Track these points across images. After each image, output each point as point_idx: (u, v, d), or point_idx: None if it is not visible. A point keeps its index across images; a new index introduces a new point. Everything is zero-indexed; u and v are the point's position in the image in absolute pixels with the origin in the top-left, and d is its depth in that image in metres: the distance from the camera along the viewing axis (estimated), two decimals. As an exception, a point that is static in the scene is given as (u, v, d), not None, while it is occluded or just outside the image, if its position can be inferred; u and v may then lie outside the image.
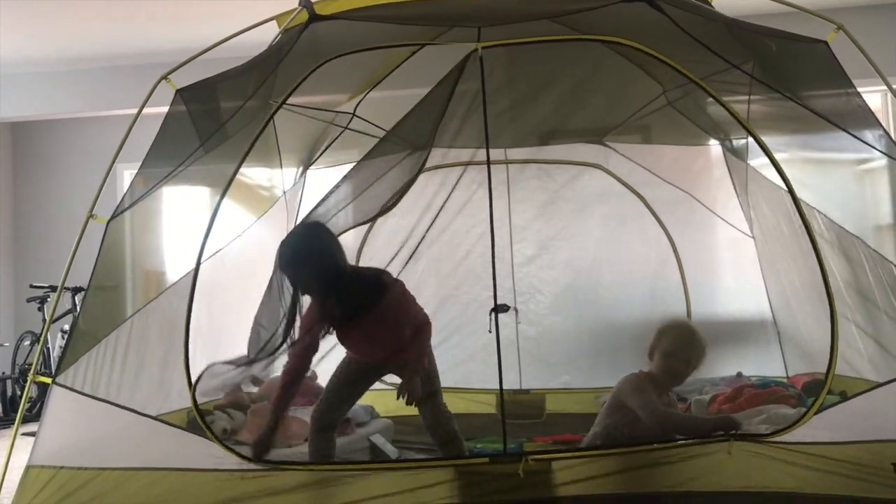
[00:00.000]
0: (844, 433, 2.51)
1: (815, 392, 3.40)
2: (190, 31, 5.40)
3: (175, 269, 3.07)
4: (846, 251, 2.75)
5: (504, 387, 2.77)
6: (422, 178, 4.56)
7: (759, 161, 3.75)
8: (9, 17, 5.20)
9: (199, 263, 2.89)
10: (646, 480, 2.52)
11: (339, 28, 2.89)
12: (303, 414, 3.74)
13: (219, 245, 3.79)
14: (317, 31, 2.86)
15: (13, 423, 2.89)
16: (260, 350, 2.82)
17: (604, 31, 3.03)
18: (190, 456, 2.70)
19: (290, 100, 3.12)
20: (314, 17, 2.83)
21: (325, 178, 4.70)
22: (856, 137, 2.72)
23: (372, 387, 4.54)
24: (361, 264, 4.72)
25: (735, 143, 3.99)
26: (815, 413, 2.60)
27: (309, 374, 4.37)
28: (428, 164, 4.53)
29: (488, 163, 2.70)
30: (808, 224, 2.71)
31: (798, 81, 2.84)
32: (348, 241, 4.75)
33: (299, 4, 2.93)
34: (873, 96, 5.46)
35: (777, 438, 2.57)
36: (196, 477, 2.66)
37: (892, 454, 2.45)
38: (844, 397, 2.78)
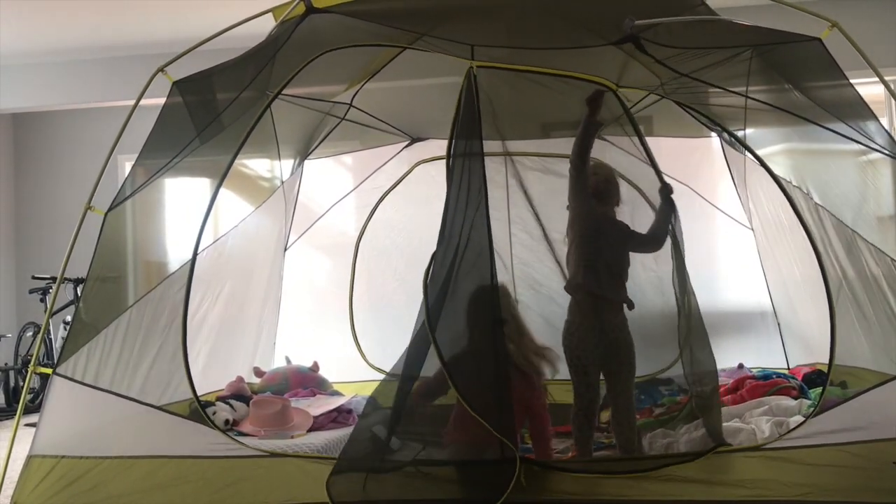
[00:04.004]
0: (846, 433, 2.50)
1: (816, 383, 3.42)
2: (188, 22, 5.40)
3: (175, 259, 3.07)
4: (844, 243, 2.75)
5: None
6: (418, 169, 4.60)
7: (758, 153, 3.74)
8: (8, 9, 5.20)
9: (195, 254, 2.89)
10: (645, 489, 2.51)
11: (336, 20, 2.88)
12: (305, 405, 3.75)
13: (217, 235, 3.80)
14: (314, 23, 2.86)
15: (16, 414, 2.90)
16: None
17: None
18: (190, 444, 2.71)
19: (288, 90, 3.11)
20: (311, 10, 2.83)
21: (322, 167, 4.72)
22: (851, 137, 2.70)
23: (374, 378, 4.58)
24: (360, 253, 4.74)
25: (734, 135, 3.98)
26: (817, 409, 2.60)
27: (311, 365, 4.40)
28: (427, 156, 4.57)
29: (484, 185, 2.71)
30: (802, 217, 2.70)
31: (795, 77, 2.83)
32: (349, 231, 4.79)
33: None
34: (877, 87, 5.42)
35: (778, 444, 2.56)
36: (196, 464, 2.68)
37: (894, 453, 2.44)
38: (845, 388, 2.78)
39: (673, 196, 3.06)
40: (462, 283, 2.69)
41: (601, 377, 2.98)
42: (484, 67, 2.78)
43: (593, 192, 3.03)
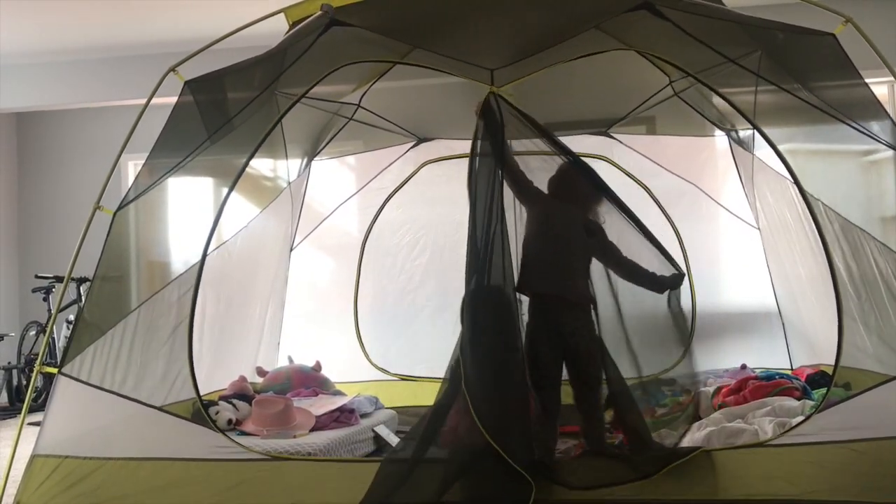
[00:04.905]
0: (851, 430, 2.49)
1: (820, 384, 3.41)
2: (194, 22, 5.40)
3: (179, 260, 3.07)
4: (851, 242, 2.74)
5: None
6: (424, 169, 4.61)
7: (765, 152, 3.73)
8: (13, 8, 5.21)
9: (204, 256, 2.88)
10: (648, 487, 2.51)
11: (355, 33, 2.91)
12: (308, 404, 3.76)
13: (223, 237, 3.79)
14: (335, 35, 2.88)
15: (19, 413, 2.90)
16: None
17: (610, 31, 3.05)
18: (194, 446, 2.71)
19: (296, 90, 3.12)
20: (334, 23, 2.85)
21: (327, 168, 4.71)
22: (861, 130, 2.70)
23: (377, 378, 4.59)
24: (366, 254, 4.75)
25: (741, 133, 3.98)
26: (821, 409, 2.60)
27: (313, 364, 4.41)
28: (433, 156, 4.58)
29: (503, 224, 2.72)
30: (815, 216, 2.70)
31: (805, 73, 2.83)
32: (353, 232, 4.80)
33: (321, 9, 2.95)
34: (879, 87, 5.44)
35: (781, 441, 2.56)
36: (200, 467, 2.67)
37: (896, 451, 2.45)
38: (848, 389, 2.78)
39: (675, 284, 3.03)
40: (482, 310, 2.68)
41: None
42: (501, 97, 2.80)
43: (551, 190, 3.01)
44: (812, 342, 4.08)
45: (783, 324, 4.34)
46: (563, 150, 2.91)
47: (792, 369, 4.15)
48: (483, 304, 2.68)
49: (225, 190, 3.07)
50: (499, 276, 2.67)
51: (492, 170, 2.74)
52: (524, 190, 2.95)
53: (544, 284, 2.92)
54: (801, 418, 2.74)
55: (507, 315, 2.70)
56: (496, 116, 2.77)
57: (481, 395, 2.56)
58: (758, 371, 3.97)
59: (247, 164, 2.95)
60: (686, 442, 3.01)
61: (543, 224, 2.98)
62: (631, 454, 2.84)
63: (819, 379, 3.56)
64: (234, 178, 2.95)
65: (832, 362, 2.71)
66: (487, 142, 2.77)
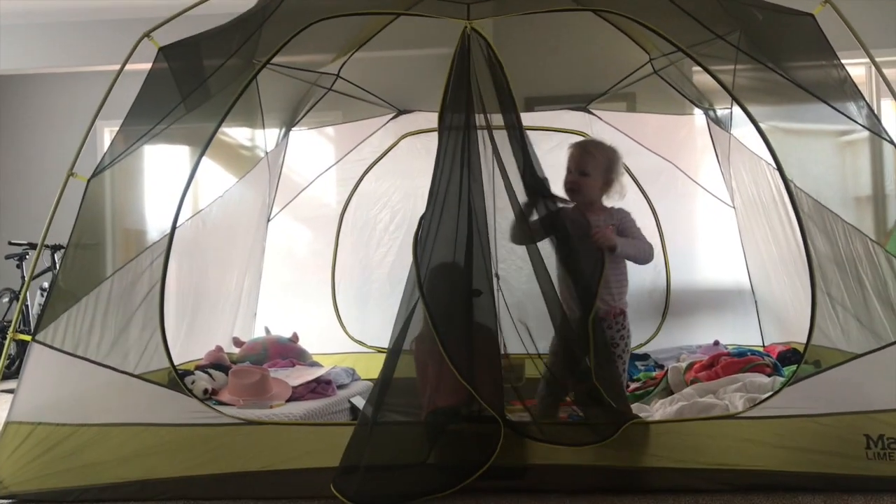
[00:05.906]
0: (818, 405, 2.55)
1: (791, 361, 3.47)
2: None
3: (155, 228, 3.05)
4: (821, 223, 2.78)
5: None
6: (404, 142, 4.59)
7: (741, 131, 3.76)
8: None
9: (175, 224, 2.86)
10: (620, 455, 2.55)
11: None
12: (284, 375, 3.76)
13: (199, 206, 3.77)
14: None
15: (-8, 380, 2.88)
16: None
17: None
18: (169, 412, 2.71)
19: (275, 59, 3.09)
20: None
21: (305, 139, 4.68)
22: (837, 110, 2.73)
23: (354, 350, 4.61)
24: (344, 226, 4.74)
25: (719, 112, 4.00)
26: (789, 384, 2.65)
27: (290, 335, 4.41)
28: (413, 128, 4.57)
29: (468, 153, 2.72)
30: (791, 194, 2.73)
31: (783, 53, 2.84)
32: (331, 203, 4.78)
33: None
34: (858, 68, 5.48)
35: (750, 414, 2.60)
36: (175, 432, 2.68)
37: (865, 426, 2.50)
38: (818, 367, 2.83)
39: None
40: (437, 251, 2.73)
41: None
42: (476, 32, 2.71)
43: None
44: (783, 320, 4.15)
45: (756, 301, 4.40)
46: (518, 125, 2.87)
47: (764, 346, 4.21)
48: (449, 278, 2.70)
49: (203, 159, 3.04)
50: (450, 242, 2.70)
51: (459, 144, 2.71)
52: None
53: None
54: (770, 393, 2.79)
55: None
56: (466, 67, 2.68)
57: (451, 338, 2.61)
58: (730, 347, 4.02)
59: (216, 129, 2.90)
60: (659, 415, 3.06)
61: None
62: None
63: (790, 356, 3.61)
64: (205, 145, 2.90)
65: (803, 340, 2.74)
66: (461, 115, 2.73)
